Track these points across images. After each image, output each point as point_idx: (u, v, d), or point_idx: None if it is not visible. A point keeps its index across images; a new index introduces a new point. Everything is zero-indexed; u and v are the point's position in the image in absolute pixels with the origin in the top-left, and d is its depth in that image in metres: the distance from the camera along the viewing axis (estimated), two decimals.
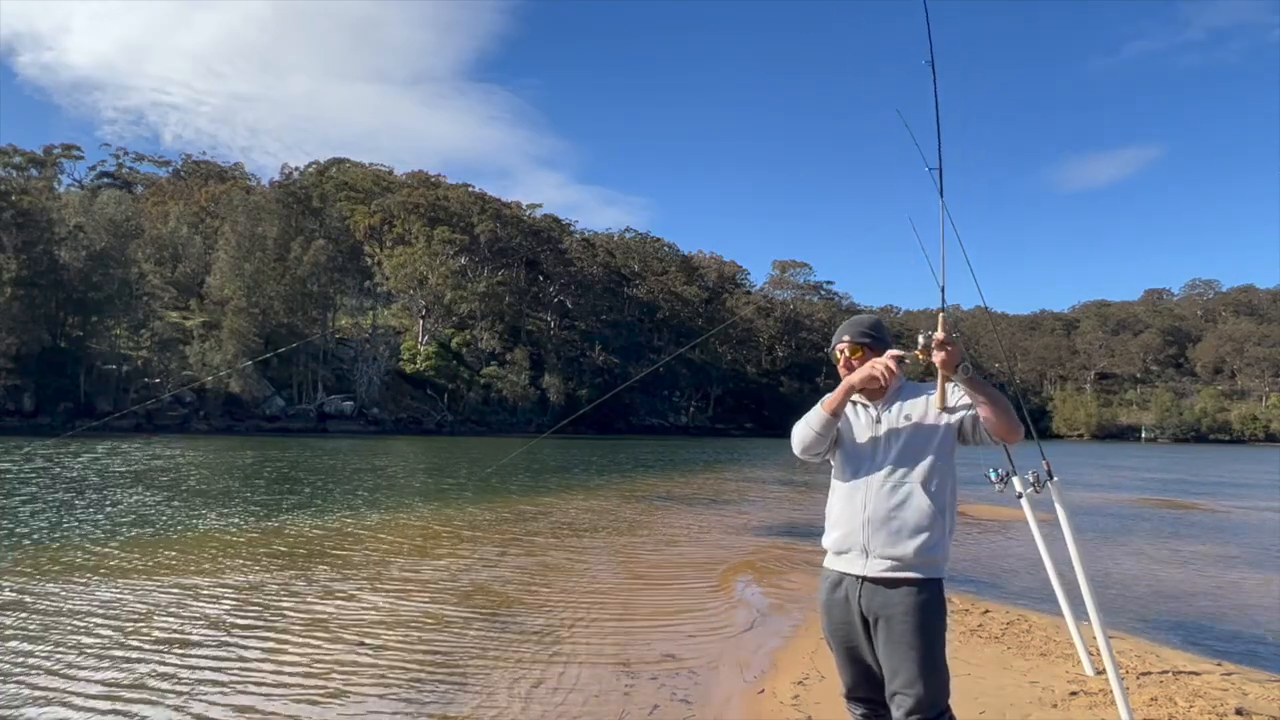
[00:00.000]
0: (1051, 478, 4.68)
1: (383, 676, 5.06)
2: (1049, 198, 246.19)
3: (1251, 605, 8.18)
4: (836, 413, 2.73)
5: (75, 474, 19.08)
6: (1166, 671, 5.30)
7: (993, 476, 4.87)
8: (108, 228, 55.95)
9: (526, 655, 5.57)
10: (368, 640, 5.90)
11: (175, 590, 7.52)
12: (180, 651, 5.57)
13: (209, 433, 49.89)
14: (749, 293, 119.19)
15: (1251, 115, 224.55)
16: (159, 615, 6.57)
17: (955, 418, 2.66)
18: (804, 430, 2.76)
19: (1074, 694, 4.73)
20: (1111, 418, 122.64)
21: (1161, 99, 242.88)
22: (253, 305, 60.68)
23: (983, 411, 2.58)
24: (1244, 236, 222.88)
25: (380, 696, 4.70)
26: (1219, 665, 5.65)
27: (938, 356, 2.57)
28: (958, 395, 2.67)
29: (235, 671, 5.14)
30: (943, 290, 2.87)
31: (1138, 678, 5.10)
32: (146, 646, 5.68)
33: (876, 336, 2.81)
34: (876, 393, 2.78)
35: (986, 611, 7.14)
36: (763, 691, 4.88)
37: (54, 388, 49.29)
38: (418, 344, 77.43)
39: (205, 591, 7.47)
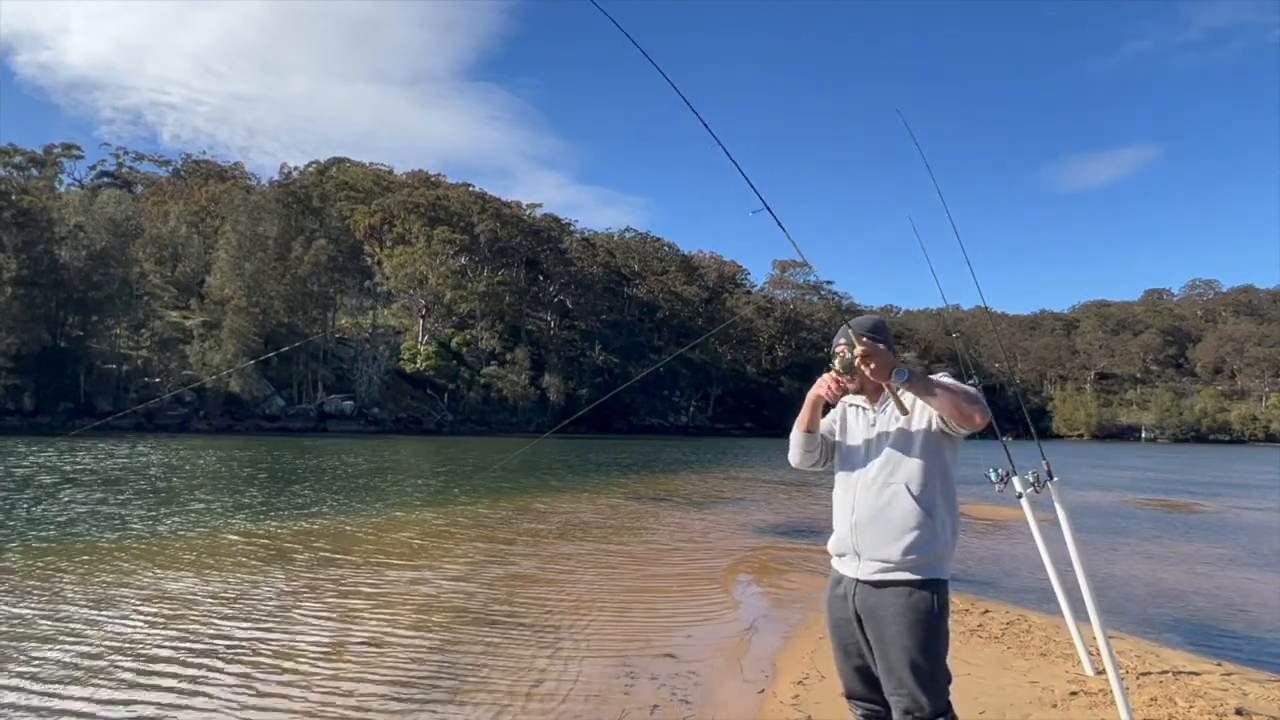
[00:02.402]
0: (1051, 478, 4.68)
1: (381, 676, 5.06)
2: (1049, 198, 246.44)
3: (1251, 605, 8.18)
4: (810, 429, 2.83)
5: (28, 473, 18.81)
6: (1166, 671, 5.30)
7: (993, 476, 4.87)
8: (108, 227, 55.96)
9: (526, 654, 5.57)
10: (366, 640, 5.90)
11: (97, 604, 6.80)
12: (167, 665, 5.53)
13: (209, 432, 49.87)
14: (749, 293, 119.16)
15: (1251, 115, 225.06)
16: (65, 635, 5.83)
17: (933, 415, 2.65)
18: (791, 451, 2.94)
19: (1074, 694, 4.73)
20: (1111, 418, 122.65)
21: (1161, 99, 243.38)
22: (253, 305, 60.70)
23: (934, 407, 2.58)
24: (1244, 236, 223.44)
25: (379, 697, 4.70)
26: (1219, 665, 5.64)
27: (865, 372, 2.60)
28: (911, 397, 2.66)
29: (220, 673, 5.14)
30: (847, 317, 2.87)
31: (1138, 678, 5.10)
32: (40, 681, 4.83)
33: (876, 339, 2.80)
34: (873, 395, 2.79)
35: (986, 611, 7.14)
36: (763, 691, 4.88)
37: (54, 387, 49.29)
38: (418, 344, 77.43)
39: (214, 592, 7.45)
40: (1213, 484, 28.51)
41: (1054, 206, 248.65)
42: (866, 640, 2.67)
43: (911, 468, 2.64)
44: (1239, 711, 4.47)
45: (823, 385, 2.79)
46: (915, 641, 2.54)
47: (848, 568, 2.73)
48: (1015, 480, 4.84)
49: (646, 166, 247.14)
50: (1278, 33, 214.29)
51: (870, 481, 2.69)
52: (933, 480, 2.64)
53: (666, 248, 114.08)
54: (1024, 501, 4.91)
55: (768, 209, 3.03)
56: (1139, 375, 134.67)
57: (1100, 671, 4.92)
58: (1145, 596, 8.45)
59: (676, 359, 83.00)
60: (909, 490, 2.62)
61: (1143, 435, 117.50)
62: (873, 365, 2.56)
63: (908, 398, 2.66)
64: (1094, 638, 4.51)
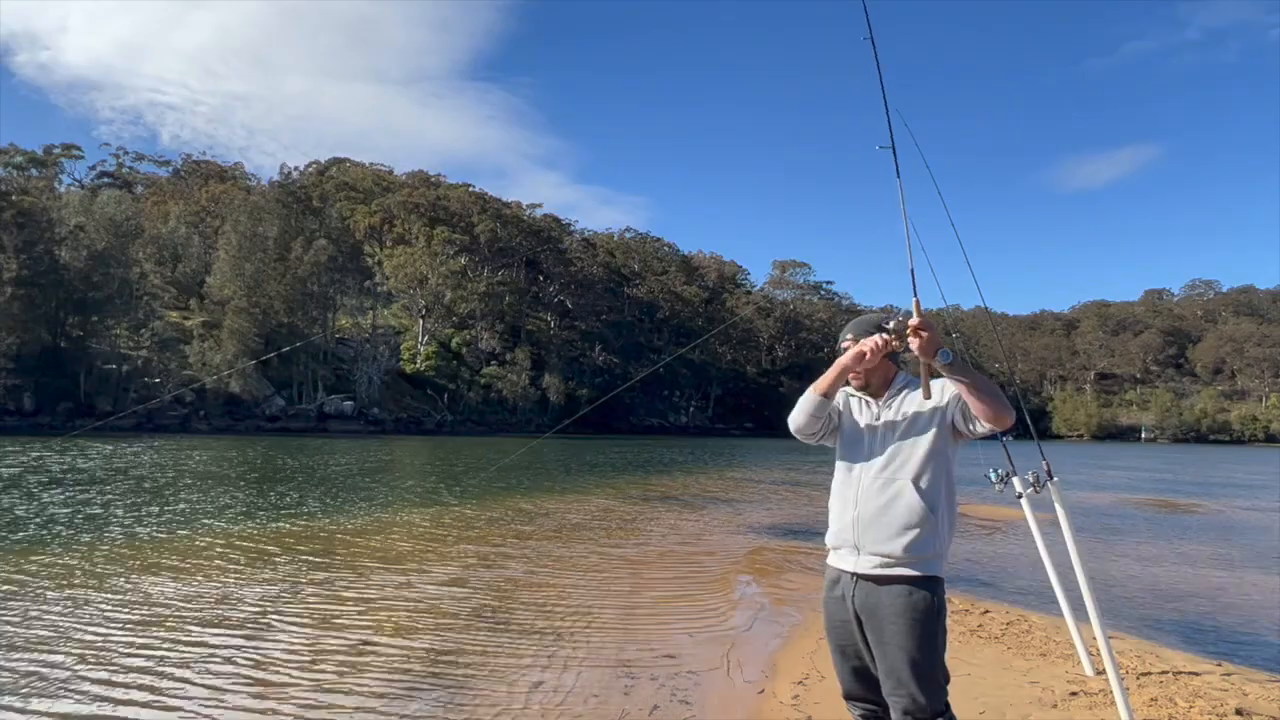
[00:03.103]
0: (1051, 478, 4.67)
1: (379, 679, 5.05)
2: (1049, 198, 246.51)
3: (1252, 605, 8.18)
4: (828, 394, 2.73)
5: (17, 473, 18.64)
6: (1166, 672, 5.29)
7: (993, 477, 4.86)
8: (108, 227, 55.97)
9: (526, 656, 5.56)
10: (363, 642, 5.89)
11: (70, 608, 6.81)
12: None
13: (209, 432, 49.86)
14: (749, 293, 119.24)
15: (1250, 115, 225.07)
16: (35, 642, 5.86)
17: (947, 413, 2.63)
18: (797, 412, 2.81)
19: (1074, 694, 4.73)
20: (1111, 418, 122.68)
21: (1160, 99, 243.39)
22: (253, 305, 60.71)
23: (967, 397, 2.54)
24: (1244, 236, 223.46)
25: (377, 699, 4.69)
26: (1219, 665, 5.64)
27: (914, 342, 2.54)
28: (942, 384, 2.64)
29: (232, 666, 5.14)
30: (913, 274, 2.84)
31: (1138, 678, 5.10)
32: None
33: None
34: (879, 390, 2.78)
35: (986, 612, 7.13)
36: (763, 692, 4.87)
37: (54, 387, 49.29)
38: (418, 344, 77.46)
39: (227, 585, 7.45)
40: (1213, 484, 28.51)
41: (1054, 206, 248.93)
42: (865, 640, 2.66)
43: (919, 463, 2.62)
44: (1239, 712, 4.46)
45: (869, 343, 2.64)
46: (915, 641, 2.53)
47: (846, 561, 2.71)
48: (1015, 480, 4.83)
49: (644, 166, 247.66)
50: (1277, 33, 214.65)
51: (875, 475, 2.67)
52: (938, 477, 2.63)
53: (666, 248, 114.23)
54: (1024, 501, 4.91)
55: (892, 150, 3.03)
56: (1139, 375, 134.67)
57: (1100, 672, 4.91)
58: (1145, 596, 8.45)
59: (677, 359, 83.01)
60: (915, 486, 2.60)
61: (1143, 435, 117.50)
62: (925, 336, 2.51)
63: (935, 384, 2.64)
64: (1094, 638, 4.50)
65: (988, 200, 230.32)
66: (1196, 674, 5.30)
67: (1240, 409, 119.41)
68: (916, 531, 2.58)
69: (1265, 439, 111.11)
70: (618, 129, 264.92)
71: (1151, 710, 4.44)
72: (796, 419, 2.80)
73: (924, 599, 2.57)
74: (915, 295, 2.68)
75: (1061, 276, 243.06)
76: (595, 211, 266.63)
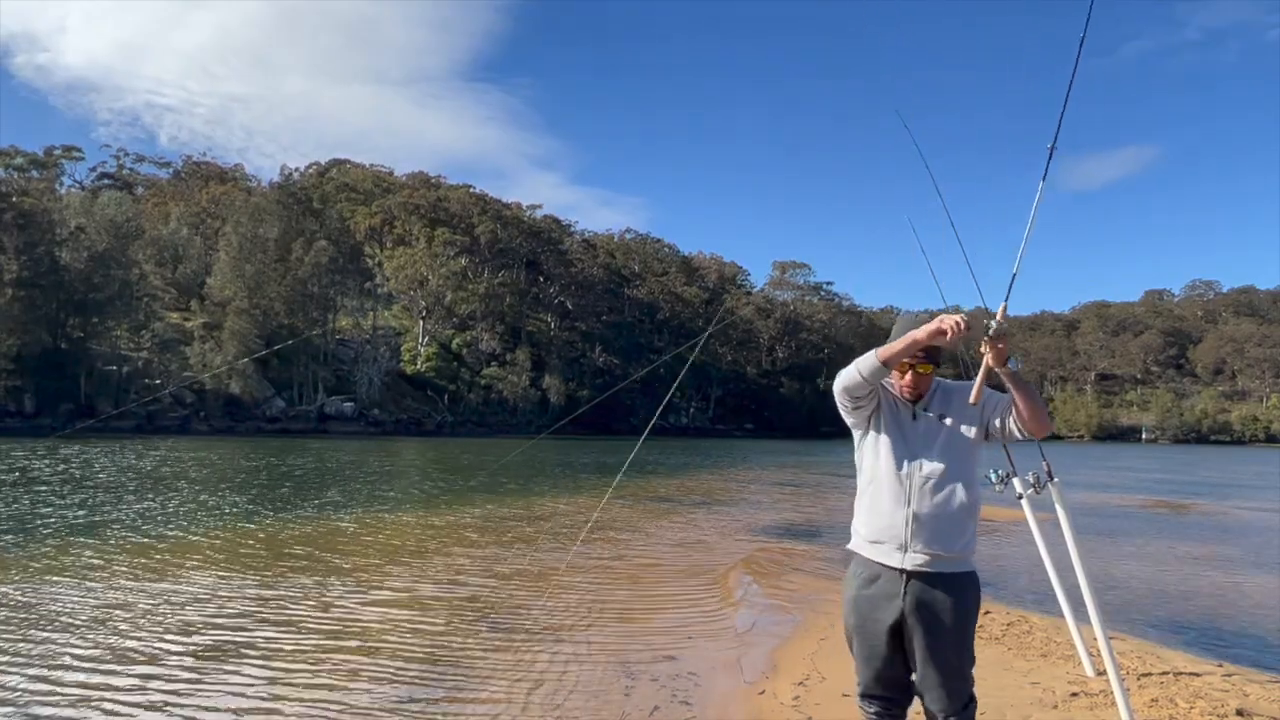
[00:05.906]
0: (1052, 478, 4.67)
1: (378, 681, 5.04)
2: (1049, 198, 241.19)
3: (1251, 605, 8.18)
4: (889, 363, 2.66)
5: None
6: (1167, 672, 5.29)
7: (993, 477, 4.86)
8: (108, 229, 55.99)
9: (526, 657, 5.56)
10: (362, 645, 5.88)
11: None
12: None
13: (208, 434, 49.84)
14: (749, 294, 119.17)
15: (1250, 115, 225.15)
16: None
17: (985, 414, 2.75)
18: (851, 373, 2.73)
19: (1074, 695, 4.73)
20: (1112, 418, 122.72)
21: (1160, 99, 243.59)
22: (254, 306, 60.74)
23: (1022, 404, 2.65)
24: (1244, 236, 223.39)
25: (377, 701, 4.69)
26: (1220, 666, 5.64)
27: (991, 351, 2.60)
28: (979, 387, 2.73)
29: (225, 674, 5.14)
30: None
31: (1138, 679, 5.09)
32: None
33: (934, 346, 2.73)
34: (914, 392, 2.80)
35: (987, 613, 7.12)
36: (763, 692, 4.87)
37: (55, 389, 49.28)
38: (418, 345, 77.47)
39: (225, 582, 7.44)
40: (1213, 484, 28.50)
41: (1053, 206, 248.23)
42: (899, 636, 2.69)
43: (968, 466, 2.75)
44: (1240, 712, 4.46)
45: (949, 321, 2.53)
46: (969, 634, 2.69)
47: (891, 558, 2.71)
48: (1016, 481, 4.83)
49: (644, 167, 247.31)
50: (1275, 33, 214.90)
51: (926, 475, 2.70)
52: (975, 480, 2.78)
53: (666, 249, 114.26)
54: (1024, 502, 4.91)
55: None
56: (1139, 376, 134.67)
57: (1101, 672, 4.91)
58: (1146, 597, 8.45)
59: (676, 359, 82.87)
60: (965, 488, 2.72)
61: (1143, 436, 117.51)
62: (1001, 345, 2.61)
63: (983, 394, 2.74)
64: (1094, 638, 4.50)
65: (988, 199, 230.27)
66: (1197, 675, 5.29)
67: (1241, 409, 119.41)
68: (967, 531, 2.72)
69: (1266, 439, 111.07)
70: (616, 130, 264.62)
71: (1152, 711, 4.44)
72: (849, 377, 2.72)
73: (973, 591, 2.73)
74: (1006, 300, 2.73)
75: (1061, 276, 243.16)
76: (595, 212, 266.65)
